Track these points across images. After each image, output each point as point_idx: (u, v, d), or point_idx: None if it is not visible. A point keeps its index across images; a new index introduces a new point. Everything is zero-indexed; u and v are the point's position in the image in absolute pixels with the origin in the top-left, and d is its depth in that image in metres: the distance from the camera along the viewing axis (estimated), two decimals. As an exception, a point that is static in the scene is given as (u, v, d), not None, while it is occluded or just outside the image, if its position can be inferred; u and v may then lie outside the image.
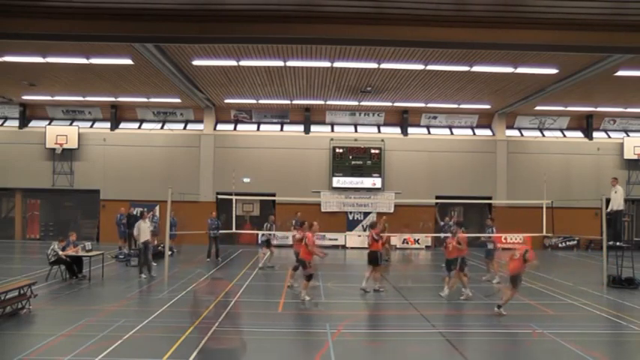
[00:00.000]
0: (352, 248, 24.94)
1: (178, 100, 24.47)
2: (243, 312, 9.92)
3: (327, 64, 17.71)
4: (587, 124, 26.95)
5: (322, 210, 24.78)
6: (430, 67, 17.82)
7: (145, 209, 19.92)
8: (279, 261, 18.37)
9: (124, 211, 20.87)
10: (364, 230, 24.94)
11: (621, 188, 15.39)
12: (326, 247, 21.19)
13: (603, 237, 15.34)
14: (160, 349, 7.98)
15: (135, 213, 19.87)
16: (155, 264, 17.52)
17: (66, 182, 25.56)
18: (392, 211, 25.18)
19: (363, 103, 24.65)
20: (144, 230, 15.29)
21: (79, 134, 25.46)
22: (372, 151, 25.67)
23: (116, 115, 26.23)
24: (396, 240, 25.55)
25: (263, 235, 18.75)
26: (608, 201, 15.39)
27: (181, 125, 26.72)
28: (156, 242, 18.17)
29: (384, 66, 17.77)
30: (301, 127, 26.45)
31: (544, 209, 17.05)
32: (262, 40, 13.62)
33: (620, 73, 17.71)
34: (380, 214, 23.30)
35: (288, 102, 24.80)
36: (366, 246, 14.13)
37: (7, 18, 12.19)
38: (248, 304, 11.23)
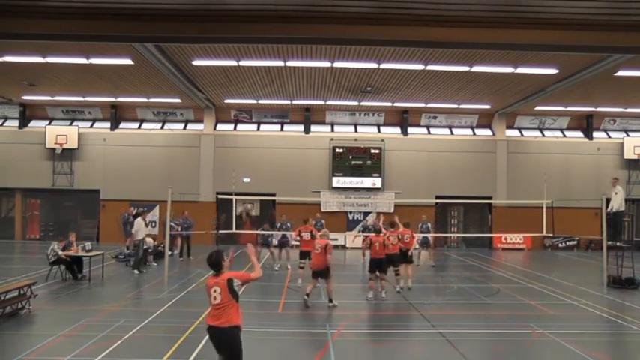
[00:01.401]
0: (352, 248, 24.93)
1: (178, 100, 24.47)
2: (243, 312, 9.97)
3: (327, 64, 17.70)
4: (587, 124, 26.94)
5: (322, 210, 24.75)
6: (430, 67, 17.81)
7: (146, 209, 19.96)
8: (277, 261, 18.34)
9: (124, 211, 20.91)
10: (364, 231, 24.92)
11: (621, 189, 15.36)
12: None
13: (603, 237, 15.34)
14: (160, 349, 7.98)
15: (134, 213, 19.95)
16: (155, 264, 17.59)
17: (66, 182, 25.56)
18: (392, 211, 25.15)
19: (363, 103, 24.64)
20: (142, 229, 15.92)
21: (79, 134, 25.45)
22: (372, 151, 25.66)
23: (116, 115, 26.22)
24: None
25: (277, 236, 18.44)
26: (608, 201, 15.38)
27: (181, 125, 26.72)
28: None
29: (384, 66, 17.77)
30: (301, 127, 26.44)
31: (544, 209, 17.04)
32: (262, 40, 13.63)
33: (620, 73, 17.70)
34: (379, 214, 23.12)
35: (288, 102, 24.80)
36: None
37: (7, 18, 12.20)
38: (248, 304, 11.23)
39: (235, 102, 25.05)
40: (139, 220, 16.25)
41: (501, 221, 25.31)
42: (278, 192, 24.11)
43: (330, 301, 11.52)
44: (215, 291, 5.72)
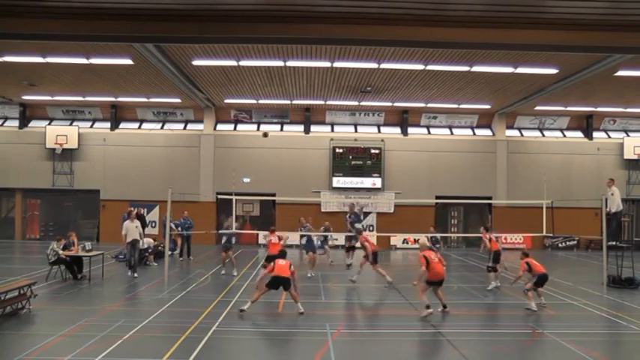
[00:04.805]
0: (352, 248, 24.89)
1: (178, 100, 24.47)
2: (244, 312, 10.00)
3: (327, 64, 17.70)
4: (587, 124, 26.95)
5: (322, 210, 24.77)
6: (430, 67, 17.82)
7: (144, 210, 19.89)
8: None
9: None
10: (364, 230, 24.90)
11: (617, 189, 15.32)
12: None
13: (603, 237, 15.33)
14: (160, 349, 7.98)
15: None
16: (156, 264, 17.59)
17: (66, 182, 25.56)
18: (392, 211, 25.19)
19: (363, 103, 24.64)
20: (132, 230, 15.32)
21: (79, 134, 25.46)
22: (372, 151, 25.66)
23: (116, 115, 26.22)
24: (396, 240, 25.60)
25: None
26: (607, 201, 15.36)
27: (181, 125, 26.72)
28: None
29: (384, 66, 17.77)
30: (301, 127, 26.44)
31: (544, 209, 17.02)
32: (262, 40, 13.62)
33: (620, 73, 17.71)
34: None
35: (288, 102, 24.80)
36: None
37: (7, 18, 12.19)
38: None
39: (235, 102, 25.05)
40: (127, 222, 15.57)
41: (501, 221, 25.29)
42: (278, 192, 24.13)
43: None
44: (283, 264, 10.53)
